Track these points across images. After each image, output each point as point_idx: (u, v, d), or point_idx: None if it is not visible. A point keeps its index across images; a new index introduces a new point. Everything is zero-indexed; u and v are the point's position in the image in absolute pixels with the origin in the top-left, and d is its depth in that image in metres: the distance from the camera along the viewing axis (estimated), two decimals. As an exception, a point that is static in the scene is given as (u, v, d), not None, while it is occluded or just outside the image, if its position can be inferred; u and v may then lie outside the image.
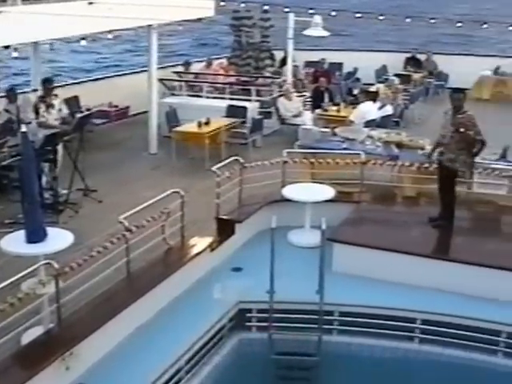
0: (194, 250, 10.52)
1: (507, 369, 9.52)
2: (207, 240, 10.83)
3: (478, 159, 11.49)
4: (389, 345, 9.84)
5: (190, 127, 16.20)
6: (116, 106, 18.92)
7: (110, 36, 17.56)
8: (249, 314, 9.94)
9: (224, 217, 11.30)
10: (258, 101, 18.81)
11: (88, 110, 16.25)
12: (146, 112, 17.19)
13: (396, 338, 9.85)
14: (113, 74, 22.90)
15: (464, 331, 9.60)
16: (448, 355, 9.67)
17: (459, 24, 26.40)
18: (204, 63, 22.45)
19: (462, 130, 10.61)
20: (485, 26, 26.31)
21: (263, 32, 22.33)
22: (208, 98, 19.40)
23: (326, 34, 18.37)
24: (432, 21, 26.25)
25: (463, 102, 10.86)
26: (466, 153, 10.79)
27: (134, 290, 9.30)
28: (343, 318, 9.91)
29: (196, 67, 22.21)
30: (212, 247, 10.78)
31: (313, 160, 12.55)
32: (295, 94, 18.65)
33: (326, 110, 18.70)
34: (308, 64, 23.81)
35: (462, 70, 23.00)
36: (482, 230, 11.51)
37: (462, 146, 10.74)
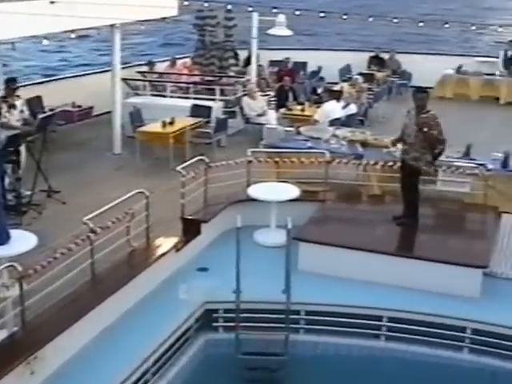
0: (160, 251, 10.45)
1: (473, 365, 9.59)
2: (172, 240, 10.77)
3: (442, 157, 11.52)
4: (355, 343, 9.87)
5: (155, 127, 16.12)
6: (79, 106, 18.76)
7: (72, 35, 17.33)
8: (215, 315, 9.91)
9: (189, 217, 11.25)
10: (222, 100, 18.77)
11: (51, 110, 16.10)
12: (109, 112, 17.02)
13: (362, 336, 9.88)
14: (76, 73, 22.75)
15: (429, 328, 9.65)
16: (414, 352, 9.73)
17: (421, 24, 26.51)
18: (168, 63, 22.28)
19: (425, 129, 10.63)
20: (446, 25, 26.48)
21: (227, 31, 22.25)
22: (172, 97, 19.33)
23: (289, 33, 18.32)
24: (395, 20, 26.33)
25: (426, 102, 10.88)
26: (430, 152, 10.82)
27: (99, 291, 9.20)
28: (310, 317, 9.91)
29: (160, 67, 22.08)
30: (177, 247, 10.72)
31: (277, 159, 12.53)
32: (259, 94, 18.61)
33: (290, 110, 18.70)
34: (272, 63, 23.75)
35: (425, 68, 23.18)
36: (446, 228, 11.51)
37: (426, 146, 10.76)
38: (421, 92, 10.99)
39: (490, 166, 12.19)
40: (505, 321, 9.54)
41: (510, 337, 9.42)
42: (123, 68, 17.50)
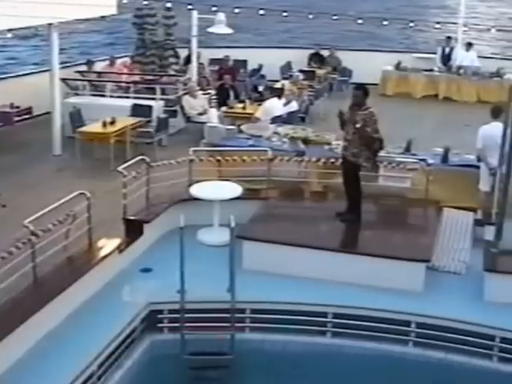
0: (102, 253, 10.34)
1: (418, 358, 9.69)
2: (115, 242, 10.67)
3: (382, 153, 11.61)
4: (301, 340, 9.88)
5: (95, 127, 15.97)
6: (18, 107, 18.45)
7: (9, 35, 16.99)
8: (160, 315, 9.85)
9: (131, 217, 11.17)
10: (162, 99, 18.67)
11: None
12: (49, 113, 16.87)
13: (308, 333, 9.89)
14: (14, 73, 22.36)
15: (375, 323, 9.71)
16: (360, 347, 9.78)
17: (360, 21, 26.82)
18: (107, 62, 22.05)
19: (358, 125, 10.73)
20: (385, 22, 26.82)
21: (167, 30, 22.07)
22: (112, 97, 19.15)
23: (229, 31, 18.35)
24: (335, 17, 26.55)
25: (364, 99, 10.94)
26: (368, 149, 10.94)
27: (42, 295, 9.06)
28: (255, 316, 9.91)
29: (99, 66, 21.85)
30: (120, 249, 10.62)
31: (219, 158, 12.53)
32: (200, 92, 18.54)
33: (231, 108, 18.61)
34: (212, 61, 23.67)
35: (366, 65, 23.42)
36: (388, 223, 11.64)
37: (363, 142, 10.86)
38: (356, 89, 11.08)
39: (430, 161, 12.27)
40: (448, 313, 9.67)
41: (454, 329, 9.53)
42: (62, 68, 17.32)
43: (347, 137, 11.04)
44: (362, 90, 10.97)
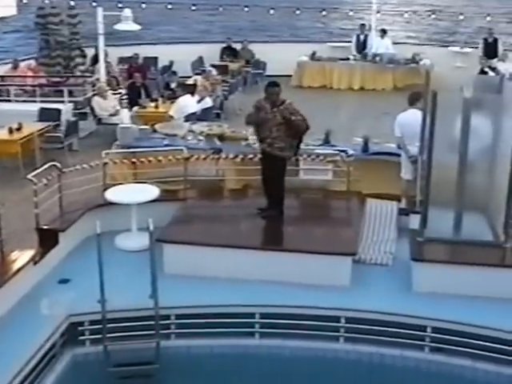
0: (16, 265, 10.15)
1: (349, 353, 9.78)
2: (29, 253, 10.46)
3: (302, 146, 11.65)
4: (229, 343, 9.89)
5: (1, 134, 15.69)
6: None
7: None
8: (81, 328, 9.70)
9: (45, 227, 10.98)
10: (71, 102, 18.51)
11: None
12: None
13: (236, 336, 9.90)
14: None
15: (304, 321, 9.75)
16: (290, 347, 9.82)
17: (272, 11, 26.98)
18: (10, 65, 21.65)
19: (293, 118, 10.83)
20: (298, 11, 27.05)
21: (72, 29, 21.76)
22: (17, 101, 18.88)
23: (137, 27, 18.28)
24: (246, 9, 26.62)
25: (279, 93, 11.02)
26: (294, 139, 11.08)
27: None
28: (180, 321, 9.87)
29: (1, 70, 21.51)
30: (35, 260, 10.43)
31: (134, 160, 12.44)
32: (110, 92, 18.32)
33: (143, 107, 18.50)
34: (121, 60, 23.48)
35: (280, 57, 23.56)
36: (312, 218, 11.68)
37: (290, 134, 10.94)
38: (272, 86, 11.07)
39: (350, 152, 12.46)
40: (377, 306, 9.77)
41: (384, 322, 9.63)
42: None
43: (271, 135, 11.02)
44: (278, 86, 11.03)
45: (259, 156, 11.56)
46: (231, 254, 10.48)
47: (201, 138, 14.00)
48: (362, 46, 25.02)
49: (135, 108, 18.45)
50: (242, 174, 12.57)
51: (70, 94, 18.89)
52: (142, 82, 20.09)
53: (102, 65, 19.22)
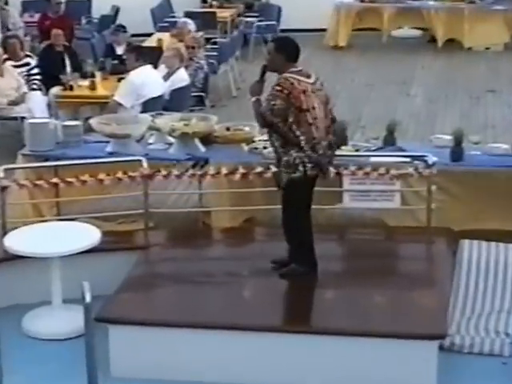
0: None
1: None
2: None
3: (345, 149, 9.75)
4: None
5: None
6: None
7: None
8: None
9: None
10: None
11: None
12: None
13: None
14: None
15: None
16: None
17: None
18: None
19: (253, 99, 8.56)
20: None
21: None
22: None
23: None
24: None
25: (276, 59, 8.55)
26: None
27: None
28: None
29: None
30: None
31: (56, 180, 9.86)
32: (10, 64, 14.60)
33: (70, 87, 14.69)
34: (28, 6, 19.28)
35: None
36: (367, 274, 9.05)
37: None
38: (274, 41, 8.95)
39: (432, 159, 9.62)
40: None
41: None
42: None
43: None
44: (274, 42, 8.82)
45: (273, 170, 9.22)
46: (226, 340, 8.10)
47: (171, 139, 11.04)
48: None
49: (54, 90, 14.69)
50: (243, 201, 10.10)
51: None
52: (66, 45, 15.94)
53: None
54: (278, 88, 8.25)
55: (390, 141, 10.58)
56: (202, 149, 10.84)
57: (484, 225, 9.93)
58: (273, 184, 9.20)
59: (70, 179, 9.82)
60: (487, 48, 19.17)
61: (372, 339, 7.88)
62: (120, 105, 12.91)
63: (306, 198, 8.63)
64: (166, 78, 13.72)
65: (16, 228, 9.20)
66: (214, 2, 19.69)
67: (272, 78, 8.78)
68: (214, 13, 18.93)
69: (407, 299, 8.54)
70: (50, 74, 14.83)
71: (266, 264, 8.83)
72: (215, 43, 17.01)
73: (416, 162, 9.77)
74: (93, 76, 14.79)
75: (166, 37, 16.52)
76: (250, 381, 7.96)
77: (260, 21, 19.24)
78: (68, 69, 15.05)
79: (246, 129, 10.79)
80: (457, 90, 16.35)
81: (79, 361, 7.12)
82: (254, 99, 8.44)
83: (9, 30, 16.83)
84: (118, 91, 13.33)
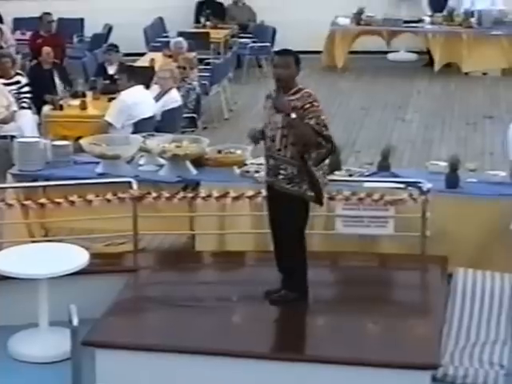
0: None
1: None
2: None
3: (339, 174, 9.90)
4: None
5: None
6: None
7: None
8: None
9: None
10: None
11: None
12: None
13: None
14: None
15: None
16: None
17: None
18: None
19: (293, 115, 8.24)
20: None
21: None
22: None
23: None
24: None
25: (295, 73, 8.40)
26: (313, 160, 8.48)
27: None
28: None
29: None
30: None
31: (44, 201, 10.06)
32: (0, 82, 14.74)
33: (59, 107, 14.70)
34: (20, 24, 19.50)
35: (301, 18, 19.59)
36: (359, 302, 9.15)
37: (304, 150, 8.43)
38: (281, 54, 8.57)
39: (427, 186, 9.79)
40: None
41: None
42: None
43: (272, 147, 8.54)
44: (293, 55, 8.42)
45: (265, 194, 9.32)
46: (213, 366, 8.16)
47: (162, 161, 11.21)
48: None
49: (45, 109, 14.82)
50: (235, 225, 10.33)
51: None
52: (57, 62, 16.15)
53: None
54: (317, 103, 8.28)
55: (384, 166, 10.65)
56: (193, 171, 11.00)
57: (476, 252, 9.96)
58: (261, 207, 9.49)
59: (58, 200, 9.96)
60: (484, 73, 19.35)
61: (364, 368, 7.89)
62: (110, 125, 12.96)
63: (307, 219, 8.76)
64: (158, 98, 13.79)
65: (3, 248, 9.36)
66: (208, 23, 19.80)
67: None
68: (208, 33, 19.05)
69: (400, 328, 8.60)
70: (39, 93, 14.94)
71: (256, 289, 8.92)
72: (208, 64, 17.07)
73: (411, 188, 9.88)
74: (84, 95, 14.85)
75: (158, 57, 16.68)
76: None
77: (254, 42, 19.34)
78: (58, 88, 15.23)
79: (238, 152, 10.96)
80: (453, 115, 16.41)
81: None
82: (294, 116, 8.30)
83: (1, 47, 16.91)
84: (108, 111, 13.36)
